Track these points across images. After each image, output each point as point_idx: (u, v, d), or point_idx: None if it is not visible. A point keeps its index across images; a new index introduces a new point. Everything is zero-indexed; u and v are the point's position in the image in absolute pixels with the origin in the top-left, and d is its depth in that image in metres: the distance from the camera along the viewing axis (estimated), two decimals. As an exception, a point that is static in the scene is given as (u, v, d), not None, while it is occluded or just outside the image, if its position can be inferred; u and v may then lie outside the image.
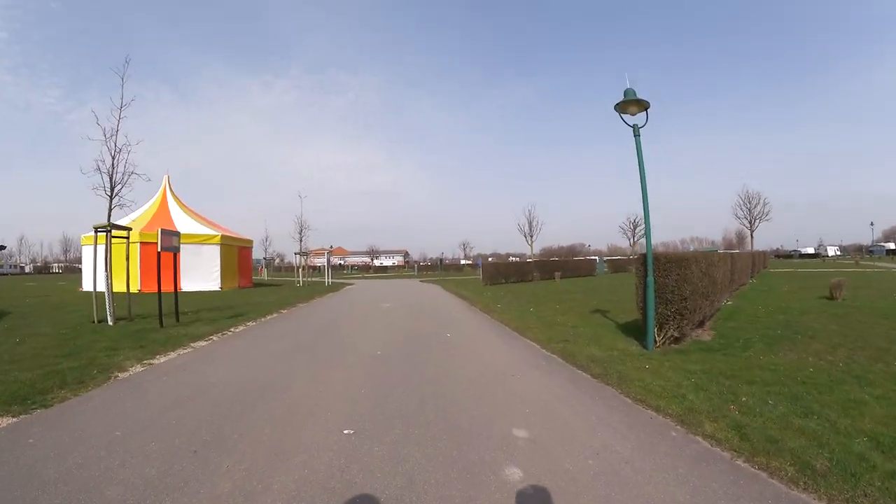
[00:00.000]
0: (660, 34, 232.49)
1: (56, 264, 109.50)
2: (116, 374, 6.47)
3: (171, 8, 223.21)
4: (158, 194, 29.59)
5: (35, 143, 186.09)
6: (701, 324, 9.33)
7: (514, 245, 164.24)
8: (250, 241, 31.83)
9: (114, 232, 11.68)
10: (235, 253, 29.03)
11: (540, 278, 32.38)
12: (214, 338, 9.57)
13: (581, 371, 6.61)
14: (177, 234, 12.01)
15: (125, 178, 11.77)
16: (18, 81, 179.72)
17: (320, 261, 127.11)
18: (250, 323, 11.86)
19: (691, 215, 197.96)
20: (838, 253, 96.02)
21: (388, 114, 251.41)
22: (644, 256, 8.13)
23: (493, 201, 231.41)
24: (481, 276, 29.02)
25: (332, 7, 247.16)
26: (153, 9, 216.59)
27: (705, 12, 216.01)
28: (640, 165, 8.03)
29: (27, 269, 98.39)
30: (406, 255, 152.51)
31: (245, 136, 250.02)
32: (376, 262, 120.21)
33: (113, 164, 11.61)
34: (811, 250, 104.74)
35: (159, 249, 11.14)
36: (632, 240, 69.13)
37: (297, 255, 35.65)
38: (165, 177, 30.24)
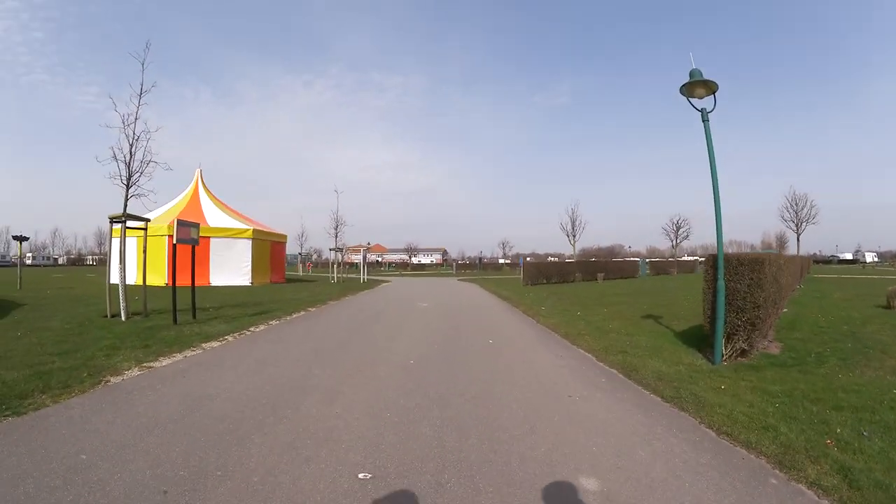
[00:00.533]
0: (701, 33, 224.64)
1: (91, 256, 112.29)
2: (108, 378, 5.62)
3: (214, 11, 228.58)
4: (190, 187, 29.43)
5: (73, 139, 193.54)
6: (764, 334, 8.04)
7: (552, 245, 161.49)
8: (284, 237, 31.37)
9: (143, 224, 11.05)
10: (268, 248, 28.57)
11: (582, 279, 30.80)
12: (230, 338, 8.66)
13: (650, 392, 5.44)
14: (195, 225, 11.19)
15: (143, 167, 10.98)
16: (56, 80, 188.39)
17: (357, 257, 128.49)
18: (273, 322, 10.95)
19: (726, 218, 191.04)
20: (876, 259, 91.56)
21: (427, 113, 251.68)
22: (713, 258, 7.03)
23: (531, 201, 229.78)
24: (522, 276, 27.62)
25: (372, 8, 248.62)
26: (192, 11, 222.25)
27: (751, 12, 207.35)
28: (709, 154, 7.02)
29: (60, 261, 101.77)
30: (444, 253, 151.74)
31: (285, 134, 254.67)
32: (414, 260, 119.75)
33: (131, 152, 10.85)
34: (849, 256, 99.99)
35: (175, 241, 10.36)
36: (674, 241, 66.05)
37: (333, 251, 34.83)
38: (198, 170, 30.02)
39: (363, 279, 33.59)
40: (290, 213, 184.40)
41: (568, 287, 25.57)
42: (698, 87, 6.80)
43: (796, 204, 49.03)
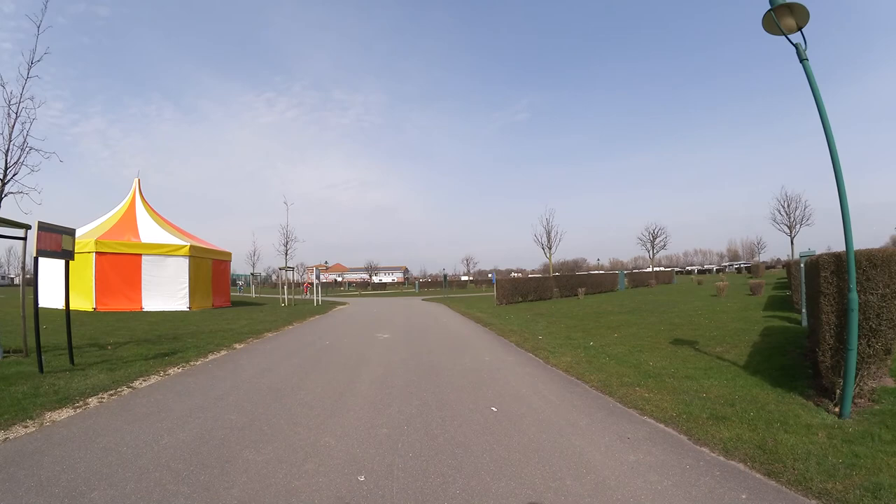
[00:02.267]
0: (663, 43, 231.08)
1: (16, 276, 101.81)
2: None
3: (176, 26, 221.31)
4: (127, 199, 25.76)
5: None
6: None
7: (514, 261, 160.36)
8: (227, 254, 27.71)
9: (23, 233, 7.94)
10: (209, 267, 25.00)
11: (560, 296, 28.34)
12: (93, 402, 5.55)
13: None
14: (67, 231, 7.91)
15: (23, 155, 8.22)
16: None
17: (336, 276, 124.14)
18: (175, 369, 7.73)
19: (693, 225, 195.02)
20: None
21: (389, 131, 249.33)
22: (834, 258, 5.07)
23: (493, 217, 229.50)
24: (496, 295, 24.84)
25: (333, 26, 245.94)
26: (157, 25, 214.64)
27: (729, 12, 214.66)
28: (818, 103, 4.85)
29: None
30: (406, 271, 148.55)
31: (246, 153, 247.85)
32: (375, 279, 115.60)
33: (10, 137, 8.17)
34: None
35: (34, 254, 7.18)
36: (651, 251, 64.52)
37: (283, 271, 30.97)
38: (136, 180, 26.33)
39: (317, 301, 29.95)
40: (251, 233, 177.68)
41: (549, 305, 22.92)
42: (784, 14, 4.83)
43: (788, 205, 47.73)
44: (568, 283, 29.84)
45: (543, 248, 40.68)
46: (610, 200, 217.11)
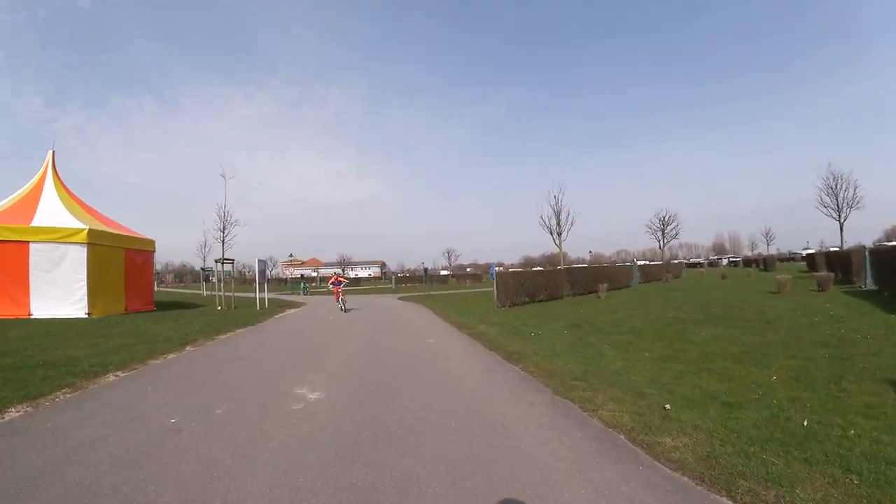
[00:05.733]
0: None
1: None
2: None
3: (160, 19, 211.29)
4: (37, 175, 19.63)
5: None
6: None
7: (494, 255, 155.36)
8: (149, 242, 21.57)
9: None
10: (120, 259, 18.98)
11: (573, 294, 23.01)
12: None
13: None
14: None
15: None
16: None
17: (301, 271, 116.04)
18: None
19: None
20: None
21: (367, 124, 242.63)
22: None
23: (472, 211, 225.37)
24: (496, 294, 19.29)
25: (313, 19, 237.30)
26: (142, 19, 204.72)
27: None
28: None
29: None
30: (383, 265, 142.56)
31: (224, 147, 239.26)
32: (351, 274, 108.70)
33: None
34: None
35: None
36: (662, 241, 57.74)
37: (219, 264, 23.70)
38: (49, 153, 20.24)
39: (263, 303, 22.61)
40: (237, 232, 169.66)
41: (569, 308, 17.34)
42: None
43: (836, 185, 40.12)
44: (582, 279, 24.46)
45: (552, 233, 33.75)
46: (590, 192, 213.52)
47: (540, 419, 4.96)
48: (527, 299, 20.27)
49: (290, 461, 3.90)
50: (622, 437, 4.35)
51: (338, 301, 20.70)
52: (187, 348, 10.26)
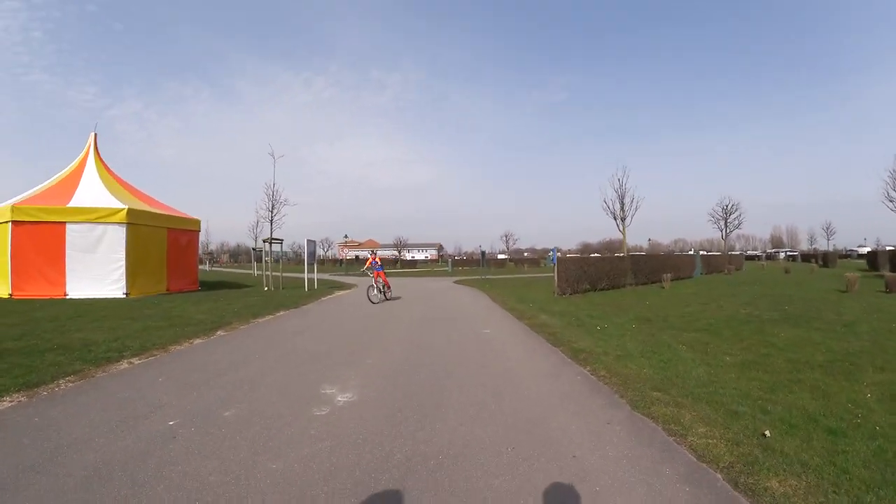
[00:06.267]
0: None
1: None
2: None
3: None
4: (78, 158, 19.70)
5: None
6: None
7: (553, 240, 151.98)
8: (194, 222, 21.23)
9: None
10: (162, 239, 18.65)
11: (635, 283, 21.21)
12: None
13: None
14: None
15: None
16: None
17: (363, 253, 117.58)
18: None
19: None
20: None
21: (426, 109, 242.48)
22: None
23: (532, 196, 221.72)
24: (556, 280, 17.80)
25: (372, 4, 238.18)
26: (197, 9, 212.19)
27: None
28: None
29: None
30: (440, 248, 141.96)
31: (283, 133, 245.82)
32: (407, 256, 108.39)
33: None
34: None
35: None
36: (724, 231, 53.93)
37: (266, 243, 23.25)
38: (91, 135, 20.25)
39: (310, 285, 22.57)
40: (288, 212, 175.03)
41: (634, 299, 15.56)
42: None
43: None
44: (646, 267, 22.41)
45: (615, 218, 31.85)
46: (647, 178, 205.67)
47: (619, 447, 3.73)
48: (588, 287, 18.47)
49: (291, 497, 2.90)
50: (720, 477, 3.22)
51: (376, 287, 16.12)
52: (218, 332, 9.42)
